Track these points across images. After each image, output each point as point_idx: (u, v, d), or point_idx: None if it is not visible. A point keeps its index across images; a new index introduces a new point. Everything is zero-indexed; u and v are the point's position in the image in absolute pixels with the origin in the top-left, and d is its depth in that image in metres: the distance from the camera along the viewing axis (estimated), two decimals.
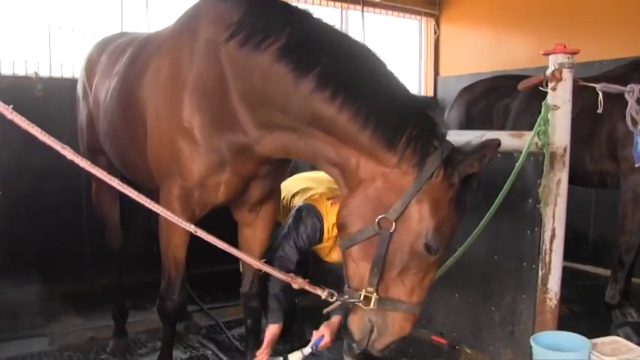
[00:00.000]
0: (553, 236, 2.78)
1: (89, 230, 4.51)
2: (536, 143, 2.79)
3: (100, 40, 3.40)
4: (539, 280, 2.83)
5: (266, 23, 1.97)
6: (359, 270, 1.85)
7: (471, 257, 3.23)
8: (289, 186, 3.19)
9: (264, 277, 2.72)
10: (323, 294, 1.92)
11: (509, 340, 3.02)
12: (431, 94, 7.52)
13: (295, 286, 1.96)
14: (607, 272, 4.00)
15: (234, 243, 1.93)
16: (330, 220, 2.71)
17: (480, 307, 3.18)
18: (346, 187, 1.91)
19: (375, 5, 6.92)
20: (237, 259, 2.46)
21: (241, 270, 2.79)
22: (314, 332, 2.68)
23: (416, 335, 3.55)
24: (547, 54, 2.81)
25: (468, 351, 3.25)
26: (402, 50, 7.41)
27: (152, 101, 2.35)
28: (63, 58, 4.90)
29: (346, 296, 1.89)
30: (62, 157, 5.14)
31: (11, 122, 1.36)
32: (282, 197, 3.02)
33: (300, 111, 1.91)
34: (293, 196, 3.13)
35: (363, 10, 6.55)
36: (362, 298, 1.83)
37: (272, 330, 2.73)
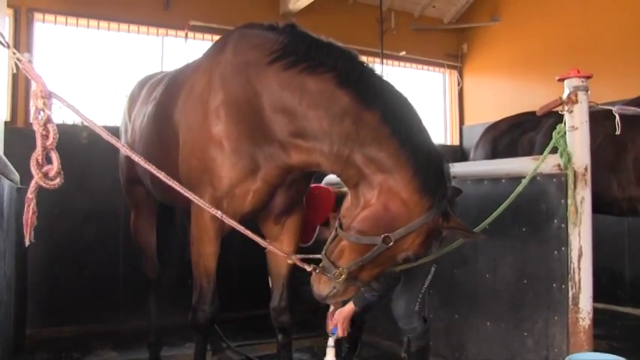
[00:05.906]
0: (580, 255, 2.77)
1: (124, 271, 4.68)
2: (558, 165, 2.87)
3: (142, 78, 3.64)
4: (570, 300, 2.79)
5: (317, 52, 2.20)
6: (346, 256, 2.17)
7: (501, 283, 3.24)
8: None
9: (292, 291, 2.82)
10: (309, 268, 2.21)
11: None
12: (457, 142, 7.66)
13: (289, 261, 2.25)
14: None
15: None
16: None
17: (512, 334, 3.13)
18: (362, 197, 2.15)
19: (399, 59, 7.22)
20: (268, 300, 2.81)
21: (270, 285, 2.84)
22: (328, 320, 2.80)
23: None
24: (562, 79, 2.93)
25: None
26: (427, 101, 7.65)
27: (186, 115, 2.51)
28: (106, 113, 5.34)
29: (325, 272, 2.18)
30: (101, 202, 5.30)
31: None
32: None
33: (347, 133, 2.11)
34: None
35: (382, 63, 6.84)
36: (336, 274, 2.15)
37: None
